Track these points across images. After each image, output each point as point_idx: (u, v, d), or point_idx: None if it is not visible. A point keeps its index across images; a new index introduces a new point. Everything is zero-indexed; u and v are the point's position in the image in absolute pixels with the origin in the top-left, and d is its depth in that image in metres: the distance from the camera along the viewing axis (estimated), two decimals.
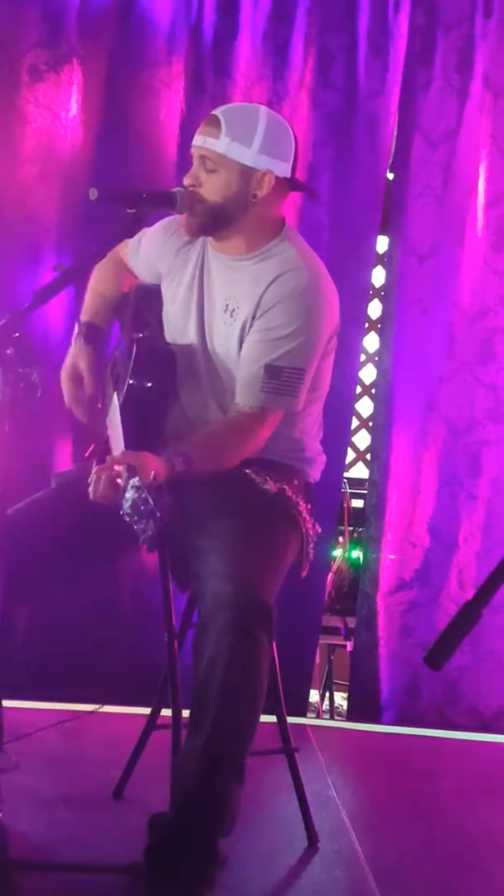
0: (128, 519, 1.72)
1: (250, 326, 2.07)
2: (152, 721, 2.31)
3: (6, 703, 2.74)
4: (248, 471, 2.08)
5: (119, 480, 1.79)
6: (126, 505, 1.72)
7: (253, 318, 2.07)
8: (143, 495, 1.70)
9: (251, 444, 2.06)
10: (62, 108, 3.03)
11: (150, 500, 1.70)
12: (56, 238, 3.04)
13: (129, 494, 1.72)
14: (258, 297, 2.06)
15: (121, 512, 1.73)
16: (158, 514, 1.69)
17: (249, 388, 2.05)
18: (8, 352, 1.81)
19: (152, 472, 1.77)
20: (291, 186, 2.12)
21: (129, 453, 1.88)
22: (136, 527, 1.71)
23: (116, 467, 1.82)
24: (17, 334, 1.81)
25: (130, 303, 2.31)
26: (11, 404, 1.85)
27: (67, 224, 3.03)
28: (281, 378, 2.03)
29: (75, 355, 2.23)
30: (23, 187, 3.03)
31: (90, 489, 1.86)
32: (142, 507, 1.70)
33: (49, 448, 3.04)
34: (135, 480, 1.73)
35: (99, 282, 2.33)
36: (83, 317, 2.30)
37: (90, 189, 1.96)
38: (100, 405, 2.26)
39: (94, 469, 1.86)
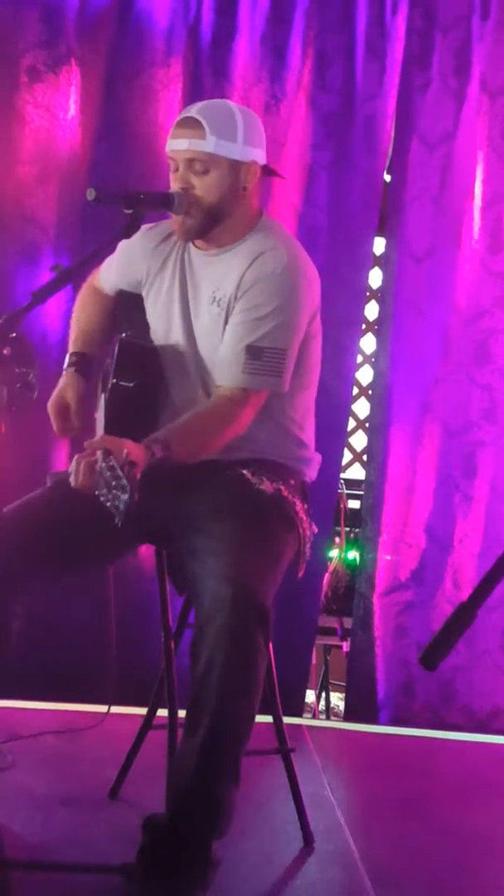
0: (102, 498, 1.72)
1: (232, 308, 2.07)
2: (148, 721, 2.31)
3: (2, 702, 2.76)
4: (244, 471, 2.08)
5: (97, 466, 1.80)
6: (99, 484, 1.73)
7: (234, 299, 2.07)
8: (117, 472, 1.71)
9: (233, 426, 2.05)
10: (60, 108, 3.04)
11: (121, 475, 1.70)
12: (54, 238, 3.05)
13: (103, 473, 1.73)
14: (238, 279, 2.06)
15: (95, 492, 1.74)
16: (129, 492, 1.69)
17: (231, 369, 2.05)
18: (5, 352, 1.81)
19: (125, 451, 1.77)
20: (266, 172, 2.14)
21: (107, 437, 1.90)
22: (107, 503, 1.71)
23: (96, 453, 1.83)
24: (14, 334, 1.82)
25: (118, 309, 2.30)
26: (8, 404, 1.86)
27: (65, 224, 3.04)
28: (262, 358, 2.03)
29: (63, 386, 2.21)
30: (21, 187, 3.03)
31: (71, 477, 1.87)
32: (112, 482, 1.71)
33: (46, 448, 3.04)
34: (110, 460, 1.73)
35: (79, 311, 2.34)
36: (71, 347, 2.29)
37: (88, 189, 1.96)
38: (96, 415, 2.25)
39: (74, 458, 1.87)
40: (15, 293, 3.00)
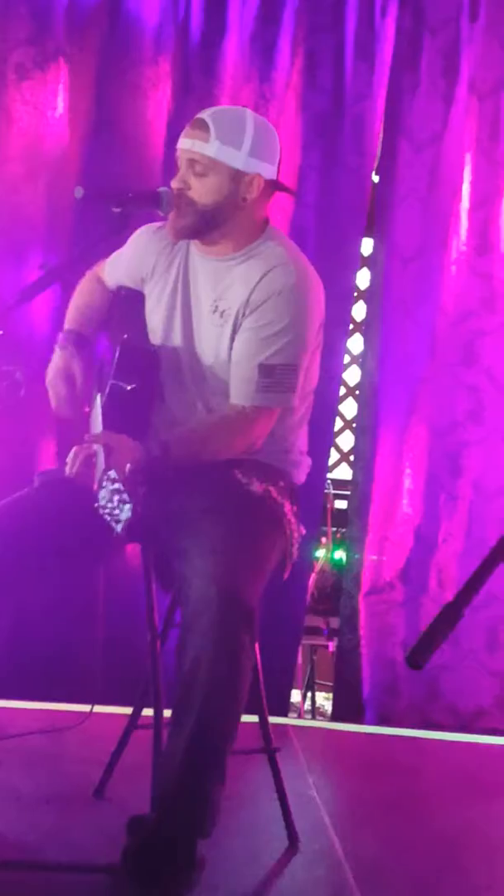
0: (102, 511, 1.74)
1: (240, 324, 2.08)
2: (134, 721, 2.31)
3: None
4: (234, 472, 2.08)
5: (94, 460, 1.82)
6: (101, 497, 1.74)
7: (242, 315, 2.07)
8: (118, 486, 1.73)
9: (240, 440, 2.07)
10: (49, 106, 3.03)
11: (124, 491, 1.72)
12: (42, 236, 3.04)
13: (105, 486, 1.74)
14: (247, 295, 2.06)
15: (95, 504, 1.75)
16: (131, 506, 1.71)
17: (244, 387, 2.06)
18: None
19: (127, 464, 1.78)
20: (276, 187, 2.13)
21: (107, 433, 1.92)
22: (109, 518, 1.73)
23: (94, 446, 1.85)
24: (1, 332, 1.81)
25: (117, 305, 2.30)
26: None
27: (53, 222, 3.03)
28: (275, 376, 2.04)
29: (68, 359, 2.20)
30: (9, 186, 3.02)
31: (67, 468, 1.89)
32: (115, 498, 1.72)
33: (32, 446, 3.03)
34: (111, 473, 1.75)
35: (79, 296, 2.34)
36: (67, 326, 2.29)
37: (76, 188, 1.96)
38: (87, 409, 2.25)
39: (73, 448, 1.89)
40: (2, 291, 2.99)
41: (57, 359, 2.21)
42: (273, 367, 2.04)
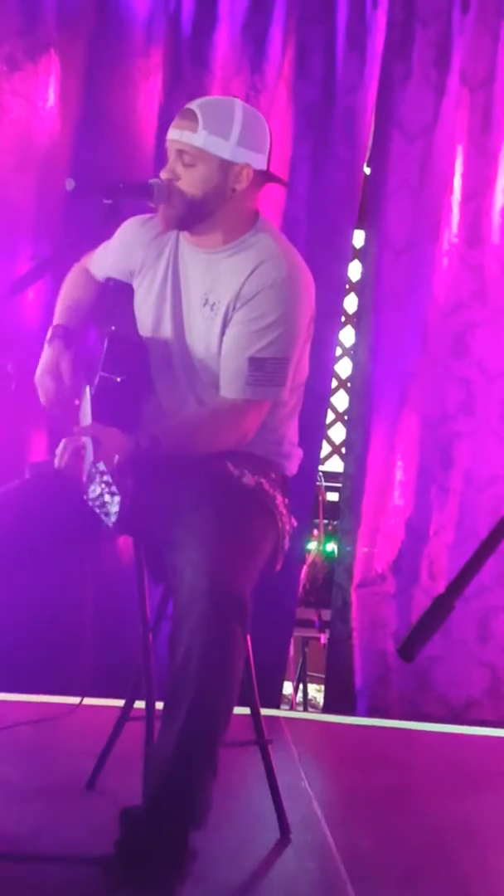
0: (91, 503, 1.74)
1: (230, 317, 2.08)
2: (126, 712, 2.31)
3: None
4: (226, 464, 2.08)
5: (83, 452, 1.82)
6: (90, 489, 1.75)
7: (233, 309, 2.07)
8: (107, 479, 1.73)
9: (230, 433, 2.07)
10: (39, 98, 3.01)
11: (113, 484, 1.72)
12: (33, 228, 3.03)
13: (94, 478, 1.75)
14: (238, 288, 2.06)
15: (84, 496, 1.75)
16: (120, 498, 1.71)
17: (235, 381, 2.06)
18: None
19: (116, 456, 1.79)
20: (266, 178, 2.13)
21: (95, 425, 1.92)
22: (98, 510, 1.74)
23: (82, 439, 1.86)
24: None
25: (105, 297, 2.30)
26: None
27: (44, 214, 3.02)
28: (265, 369, 2.04)
29: (56, 355, 2.20)
30: None
31: (55, 459, 1.89)
32: (104, 490, 1.73)
33: (24, 439, 3.03)
34: (100, 465, 1.75)
35: (68, 289, 2.33)
36: (56, 320, 2.28)
37: (67, 179, 1.95)
38: (77, 402, 2.25)
39: (63, 440, 1.90)
40: None
41: (45, 355, 2.21)
42: (264, 360, 2.04)
